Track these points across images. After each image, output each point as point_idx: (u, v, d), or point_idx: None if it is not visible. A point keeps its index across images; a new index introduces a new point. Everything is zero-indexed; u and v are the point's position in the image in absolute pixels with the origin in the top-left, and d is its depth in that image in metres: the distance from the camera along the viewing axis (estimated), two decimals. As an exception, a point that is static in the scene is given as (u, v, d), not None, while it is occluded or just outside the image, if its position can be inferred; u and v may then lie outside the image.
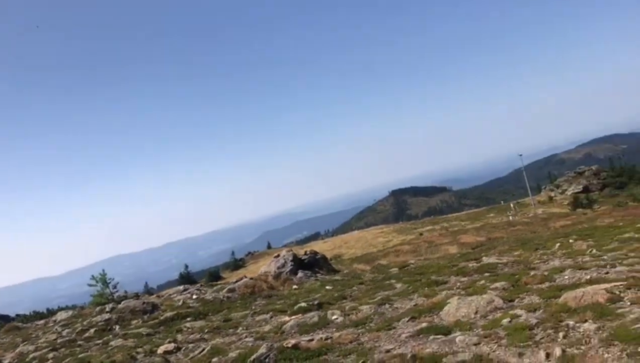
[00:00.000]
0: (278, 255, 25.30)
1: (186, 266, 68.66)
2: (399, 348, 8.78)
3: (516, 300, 10.84)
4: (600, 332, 7.46)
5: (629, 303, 8.65)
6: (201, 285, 24.42)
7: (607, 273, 11.84)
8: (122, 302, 19.68)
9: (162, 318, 16.47)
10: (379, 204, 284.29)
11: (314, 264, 25.55)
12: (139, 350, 11.90)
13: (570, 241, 19.43)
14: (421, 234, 59.37)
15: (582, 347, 6.97)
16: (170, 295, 21.75)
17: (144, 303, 19.01)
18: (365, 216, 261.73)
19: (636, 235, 17.50)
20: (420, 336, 9.30)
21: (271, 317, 14.22)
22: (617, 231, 20.16)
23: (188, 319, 15.95)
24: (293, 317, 13.14)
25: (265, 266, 24.98)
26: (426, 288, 14.40)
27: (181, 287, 23.52)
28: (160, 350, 11.56)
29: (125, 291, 31.38)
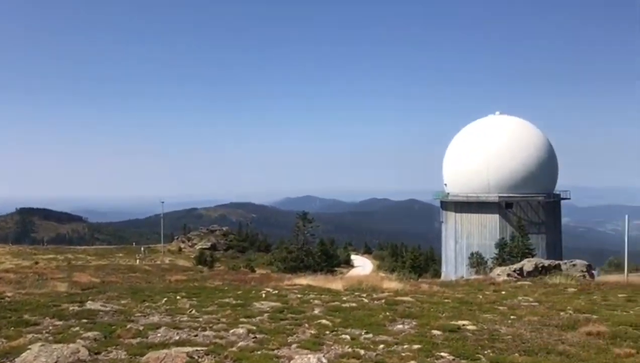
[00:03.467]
0: None
1: None
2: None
3: (103, 353, 10.64)
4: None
5: (201, 368, 9.47)
6: None
7: (196, 335, 12.69)
8: None
9: None
10: (1, 221, 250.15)
11: None
12: None
13: (178, 297, 20.28)
14: (37, 262, 54.09)
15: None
16: None
17: None
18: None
19: (234, 302, 19.37)
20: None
21: None
22: (221, 294, 21.91)
23: None
24: None
25: None
26: (12, 329, 13.00)
27: None
28: None
29: None
